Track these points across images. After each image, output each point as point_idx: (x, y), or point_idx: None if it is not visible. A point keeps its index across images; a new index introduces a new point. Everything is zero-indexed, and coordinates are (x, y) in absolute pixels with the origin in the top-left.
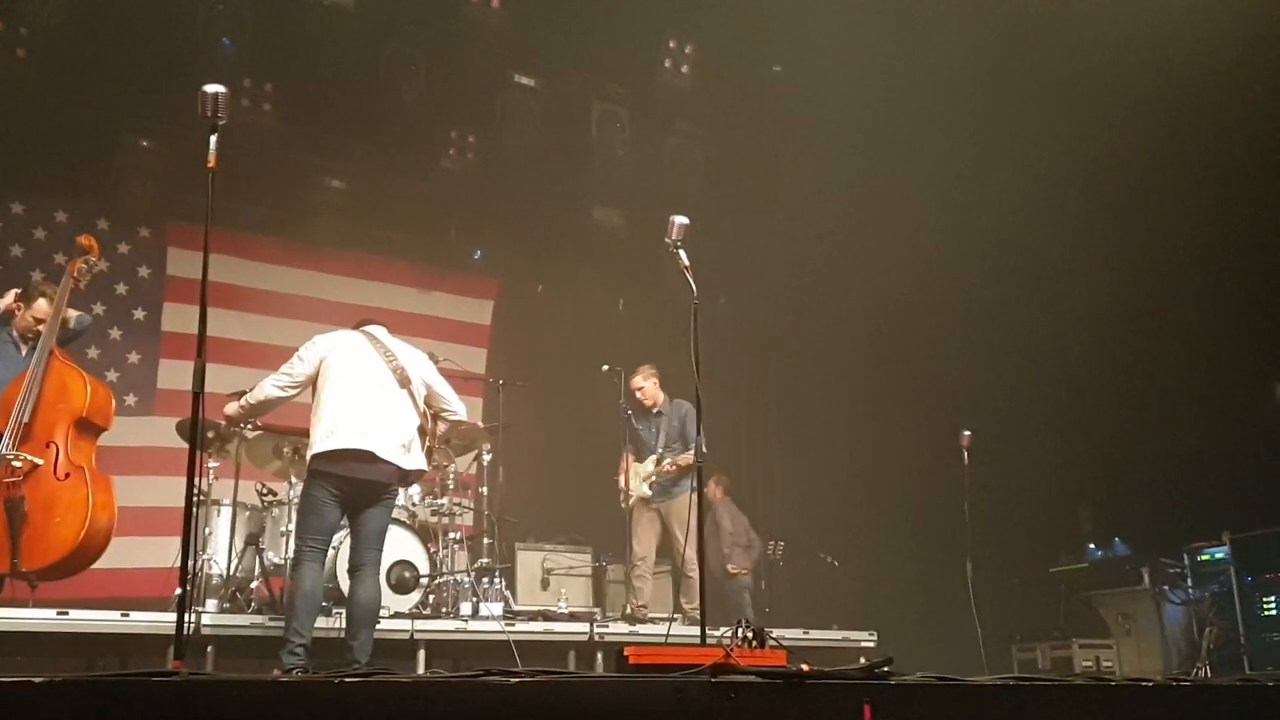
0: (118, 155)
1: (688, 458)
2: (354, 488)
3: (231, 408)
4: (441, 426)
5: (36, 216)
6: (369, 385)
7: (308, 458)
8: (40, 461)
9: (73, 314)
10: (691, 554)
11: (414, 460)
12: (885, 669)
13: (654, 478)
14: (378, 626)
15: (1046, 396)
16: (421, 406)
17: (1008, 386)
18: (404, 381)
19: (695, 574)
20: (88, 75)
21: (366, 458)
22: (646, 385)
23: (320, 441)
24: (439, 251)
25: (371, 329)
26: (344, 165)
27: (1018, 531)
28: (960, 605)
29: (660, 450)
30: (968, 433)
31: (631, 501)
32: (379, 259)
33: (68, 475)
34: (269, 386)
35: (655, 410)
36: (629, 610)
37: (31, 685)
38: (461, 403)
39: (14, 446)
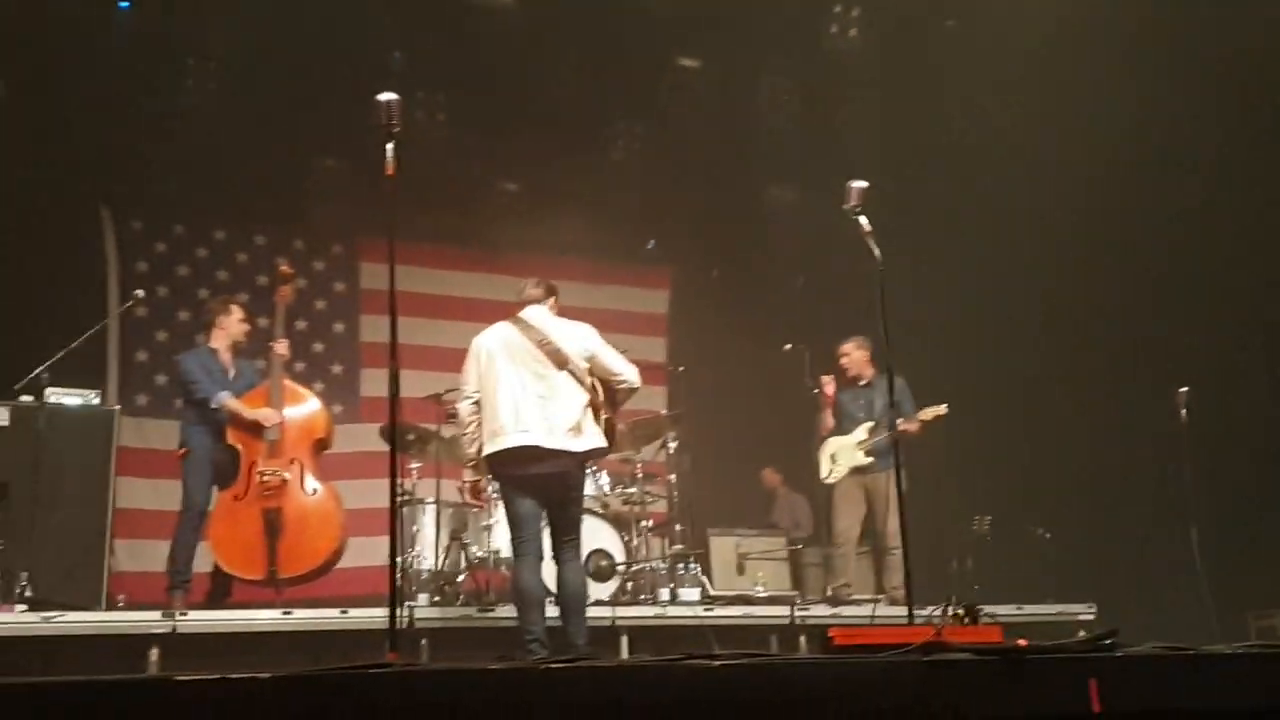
0: (306, 177)
1: (920, 419)
2: (533, 483)
3: (469, 474)
4: (619, 396)
5: (237, 242)
6: (523, 377)
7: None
8: (289, 476)
9: None
10: (896, 525)
11: (588, 440)
12: (1109, 641)
13: (869, 444)
14: None
15: (1269, 345)
16: (589, 380)
17: (1225, 339)
18: (561, 362)
19: (900, 550)
20: (270, 103)
21: (535, 455)
22: (855, 354)
23: (488, 444)
24: (612, 244)
25: (524, 313)
26: (516, 167)
27: (1247, 490)
28: (1185, 573)
29: (875, 421)
30: (1183, 389)
31: (835, 476)
32: (552, 257)
33: (315, 491)
34: (464, 415)
35: (862, 382)
36: (830, 591)
37: (260, 681)
38: (633, 367)
39: (265, 462)
